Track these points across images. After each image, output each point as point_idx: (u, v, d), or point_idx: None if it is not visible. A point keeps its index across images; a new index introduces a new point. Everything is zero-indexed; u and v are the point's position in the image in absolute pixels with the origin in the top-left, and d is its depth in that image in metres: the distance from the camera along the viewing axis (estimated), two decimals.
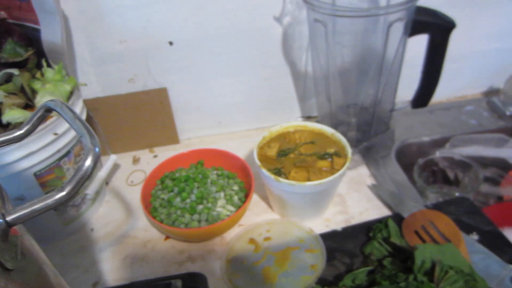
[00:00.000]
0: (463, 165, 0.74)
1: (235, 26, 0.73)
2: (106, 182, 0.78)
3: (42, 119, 0.32)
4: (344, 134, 0.65)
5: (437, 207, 0.65)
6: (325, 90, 0.71)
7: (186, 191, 0.62)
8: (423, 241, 0.59)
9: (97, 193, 0.71)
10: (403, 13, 0.59)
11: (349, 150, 0.61)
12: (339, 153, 0.62)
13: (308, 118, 0.88)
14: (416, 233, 0.60)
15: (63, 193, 0.26)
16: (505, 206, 0.73)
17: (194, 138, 0.88)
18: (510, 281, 0.52)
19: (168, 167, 0.69)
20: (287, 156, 0.63)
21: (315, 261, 0.57)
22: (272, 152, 0.63)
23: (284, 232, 0.62)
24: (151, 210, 0.63)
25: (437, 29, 0.62)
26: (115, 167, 0.82)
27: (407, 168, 0.76)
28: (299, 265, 0.57)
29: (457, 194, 0.70)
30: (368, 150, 0.76)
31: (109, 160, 0.73)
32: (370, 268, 0.54)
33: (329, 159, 0.62)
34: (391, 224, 0.60)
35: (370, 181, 0.73)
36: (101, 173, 0.70)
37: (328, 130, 0.66)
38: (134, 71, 0.74)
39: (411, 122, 0.86)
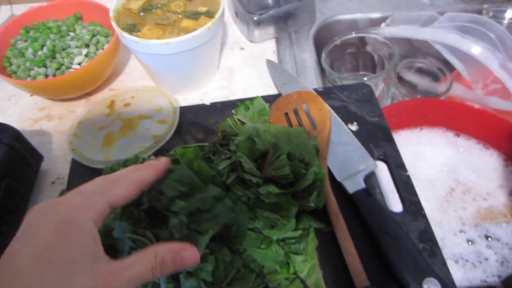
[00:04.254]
0: (384, 46, 0.62)
1: None
2: None
3: None
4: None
5: (328, 91, 0.56)
6: None
7: (39, 42, 0.55)
8: (290, 125, 0.51)
9: None
10: None
11: (221, 9, 0.51)
12: (212, 14, 0.52)
13: None
14: (286, 115, 0.52)
15: None
16: (419, 102, 0.64)
17: None
18: (363, 178, 0.46)
19: (39, 16, 0.61)
20: (152, 12, 0.53)
21: (160, 132, 0.52)
22: (136, 5, 0.53)
23: (146, 100, 0.56)
24: (4, 60, 0.57)
25: None
26: None
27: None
28: (142, 134, 0.52)
29: (365, 79, 0.60)
30: (284, 22, 0.65)
31: None
32: (205, 144, 0.48)
33: (197, 19, 0.52)
34: (258, 102, 0.52)
35: (273, 57, 0.63)
36: None
37: None
38: None
39: None
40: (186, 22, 0.51)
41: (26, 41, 0.57)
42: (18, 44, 0.58)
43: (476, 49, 0.50)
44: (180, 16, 0.52)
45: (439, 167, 0.64)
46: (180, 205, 0.36)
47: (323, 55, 0.61)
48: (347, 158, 0.49)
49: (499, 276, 0.53)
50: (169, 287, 0.35)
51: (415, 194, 0.46)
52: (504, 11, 0.66)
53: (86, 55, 0.57)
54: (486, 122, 0.63)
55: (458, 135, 0.66)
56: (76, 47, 0.56)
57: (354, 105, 0.54)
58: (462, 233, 0.57)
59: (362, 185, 0.45)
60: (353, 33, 0.61)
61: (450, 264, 0.55)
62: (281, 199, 0.41)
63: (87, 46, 0.57)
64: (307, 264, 0.39)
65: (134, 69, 0.63)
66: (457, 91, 0.68)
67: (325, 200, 0.43)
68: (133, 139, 0.51)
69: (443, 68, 0.67)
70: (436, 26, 0.55)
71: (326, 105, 0.51)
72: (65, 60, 0.55)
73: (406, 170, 0.48)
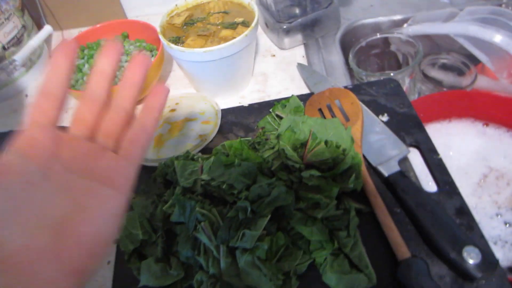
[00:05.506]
0: (408, 45, 0.66)
1: None
2: (50, 55, 0.80)
3: None
4: (279, 8, 0.60)
5: (357, 87, 0.60)
6: None
7: (93, 58, 0.62)
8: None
9: (32, 61, 0.73)
10: None
11: (256, 19, 0.56)
12: (247, 23, 0.57)
13: None
14: (320, 111, 0.56)
15: None
16: (443, 95, 0.66)
17: (142, 15, 0.85)
18: (397, 162, 0.49)
19: (91, 37, 0.68)
20: (194, 25, 0.59)
21: (205, 132, 0.56)
22: (179, 20, 0.59)
23: (190, 105, 0.62)
24: None
25: None
26: None
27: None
28: (189, 134, 0.57)
29: (391, 74, 0.64)
30: (311, 29, 0.69)
31: (42, 31, 0.73)
32: (248, 138, 0.52)
33: (235, 29, 0.57)
34: (294, 100, 0.57)
35: (303, 61, 0.68)
36: (32, 42, 0.71)
37: (245, 0, 0.60)
38: None
39: (372, 1, 0.76)
40: (225, 32, 0.57)
41: (82, 58, 0.64)
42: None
43: (497, 37, 0.53)
44: (219, 27, 0.58)
45: (470, 155, 0.65)
46: (245, 195, 0.40)
47: (350, 56, 0.65)
48: (381, 145, 0.52)
49: None
50: (227, 261, 0.39)
51: (449, 175, 0.48)
52: None
53: None
54: None
55: (487, 124, 0.68)
56: (126, 61, 0.63)
57: (384, 99, 0.58)
58: (499, 216, 0.59)
59: (397, 168, 0.48)
60: (378, 34, 0.65)
61: None
62: (322, 181, 0.44)
63: None
64: (350, 240, 0.42)
65: (176, 80, 0.69)
66: (482, 83, 0.71)
67: (362, 183, 0.47)
68: (181, 139, 0.56)
69: (467, 62, 0.70)
70: (457, 20, 0.58)
71: (357, 99, 0.55)
72: (117, 73, 0.61)
73: (438, 154, 0.51)
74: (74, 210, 0.24)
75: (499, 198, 0.60)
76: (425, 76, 0.74)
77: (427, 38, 0.73)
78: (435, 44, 0.73)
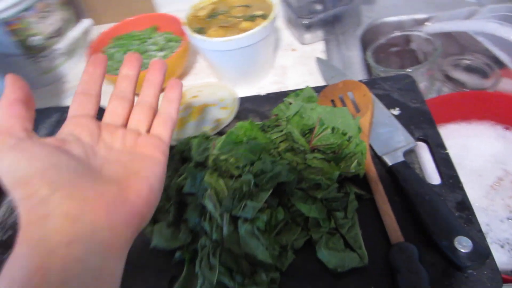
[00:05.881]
0: (429, 43, 0.66)
1: None
2: (88, 46, 0.87)
3: None
4: (301, 4, 0.63)
5: (372, 82, 0.61)
6: None
7: (125, 47, 0.67)
8: None
9: (72, 50, 0.80)
10: None
11: (274, 12, 0.59)
12: (266, 16, 0.60)
13: None
14: (332, 102, 0.58)
15: None
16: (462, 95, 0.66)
17: (174, 11, 0.90)
18: (402, 153, 0.50)
19: (123, 29, 0.74)
20: (217, 17, 0.63)
21: (222, 116, 0.60)
22: (203, 13, 0.63)
23: (212, 93, 0.65)
24: None
25: None
26: None
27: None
28: (207, 118, 0.60)
29: (409, 70, 0.64)
30: (332, 25, 0.71)
31: (82, 23, 0.79)
32: (260, 123, 0.55)
33: (254, 21, 0.60)
34: (307, 91, 0.59)
35: (322, 56, 0.70)
36: (72, 33, 0.77)
37: None
38: None
39: (395, 0, 0.77)
40: (245, 24, 0.60)
41: (114, 47, 0.70)
42: (108, 50, 0.71)
43: None
44: (239, 19, 0.61)
45: (486, 158, 0.65)
46: (249, 169, 0.43)
47: (369, 52, 0.67)
48: (388, 137, 0.53)
49: None
50: (229, 229, 0.42)
51: (454, 170, 0.49)
52: None
53: (163, 57, 0.67)
54: None
55: (508, 128, 0.67)
56: (155, 50, 0.67)
57: (397, 94, 0.59)
58: (510, 220, 0.58)
59: (401, 158, 0.49)
60: (398, 31, 0.66)
61: (495, 248, 0.56)
62: (325, 164, 0.46)
63: (163, 49, 0.69)
64: (348, 222, 0.43)
65: (200, 70, 0.73)
66: (507, 85, 0.70)
67: (365, 170, 0.48)
68: (201, 122, 0.60)
69: (491, 63, 0.69)
70: (477, 18, 0.58)
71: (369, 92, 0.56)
72: (146, 60, 0.66)
73: (445, 149, 0.51)
74: (129, 173, 0.30)
75: None
76: (447, 77, 0.74)
77: (451, 38, 0.73)
78: (458, 44, 0.73)
